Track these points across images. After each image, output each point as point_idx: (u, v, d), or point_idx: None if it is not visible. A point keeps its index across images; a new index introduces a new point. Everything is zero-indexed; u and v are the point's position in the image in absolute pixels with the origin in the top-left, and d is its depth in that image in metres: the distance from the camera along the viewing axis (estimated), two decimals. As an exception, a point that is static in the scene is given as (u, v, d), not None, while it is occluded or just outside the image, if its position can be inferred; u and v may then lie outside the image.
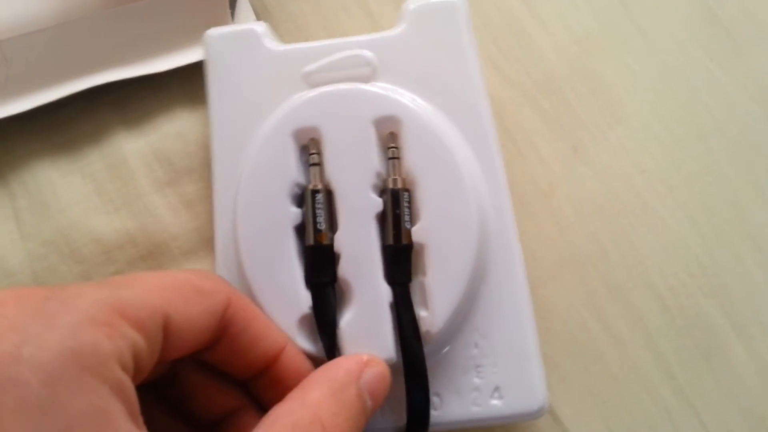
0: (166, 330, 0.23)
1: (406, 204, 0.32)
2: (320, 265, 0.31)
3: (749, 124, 0.41)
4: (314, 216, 0.32)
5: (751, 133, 0.41)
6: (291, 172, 0.32)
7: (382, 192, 0.32)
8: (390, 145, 0.33)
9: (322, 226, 0.31)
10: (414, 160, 0.32)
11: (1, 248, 0.36)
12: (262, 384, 0.28)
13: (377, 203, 0.32)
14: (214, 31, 0.36)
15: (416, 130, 0.32)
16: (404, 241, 0.31)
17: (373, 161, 0.32)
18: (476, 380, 0.31)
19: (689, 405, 0.35)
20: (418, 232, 0.31)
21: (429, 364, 0.30)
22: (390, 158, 0.32)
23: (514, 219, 0.34)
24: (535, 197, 0.39)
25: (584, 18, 0.44)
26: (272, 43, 0.36)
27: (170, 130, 0.39)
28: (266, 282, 0.31)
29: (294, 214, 0.32)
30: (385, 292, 0.31)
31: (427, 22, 0.35)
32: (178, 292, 0.24)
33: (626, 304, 0.37)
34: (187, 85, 0.40)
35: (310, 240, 0.31)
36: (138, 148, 0.38)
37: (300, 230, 0.32)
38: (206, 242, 0.37)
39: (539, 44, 0.43)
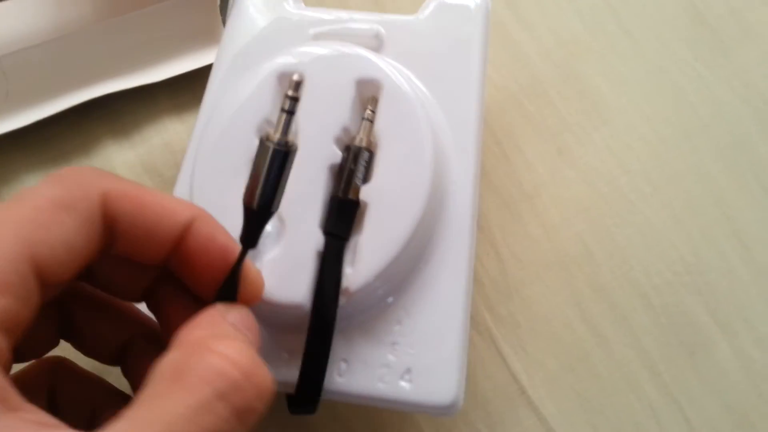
0: (39, 270, 0.21)
1: (363, 163, 0.31)
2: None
3: (735, 123, 0.42)
4: None
5: (737, 133, 0.41)
6: (265, 108, 0.33)
7: (346, 148, 0.32)
8: (368, 108, 0.33)
9: None
10: (384, 125, 0.32)
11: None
12: (176, 263, 0.26)
13: (335, 154, 0.32)
14: None
15: (394, 97, 0.33)
16: (351, 197, 0.31)
17: (344, 116, 0.33)
18: (389, 357, 0.30)
19: (674, 401, 0.36)
20: (365, 191, 0.31)
21: (342, 326, 0.30)
22: (363, 119, 0.32)
23: (474, 218, 0.33)
24: (521, 199, 0.40)
25: (570, 21, 0.44)
26: (293, 5, 0.38)
27: (158, 142, 0.40)
28: (211, 204, 0.29)
29: (255, 146, 0.31)
30: (315, 239, 0.30)
31: (447, 15, 0.37)
32: (39, 222, 0.21)
33: (611, 304, 0.37)
34: (175, 96, 0.41)
35: None
36: (127, 159, 0.39)
37: None
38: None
39: (525, 48, 0.44)
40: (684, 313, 0.37)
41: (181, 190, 0.33)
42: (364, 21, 0.37)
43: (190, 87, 0.41)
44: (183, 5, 0.41)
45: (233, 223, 0.28)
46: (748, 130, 0.41)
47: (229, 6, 0.38)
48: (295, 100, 0.26)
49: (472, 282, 0.32)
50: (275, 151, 0.26)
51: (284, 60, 0.34)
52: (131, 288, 0.27)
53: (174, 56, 0.41)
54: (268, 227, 0.30)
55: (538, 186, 0.40)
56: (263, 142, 0.26)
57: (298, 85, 0.26)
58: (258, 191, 0.26)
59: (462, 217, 0.33)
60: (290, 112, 0.26)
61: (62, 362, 0.28)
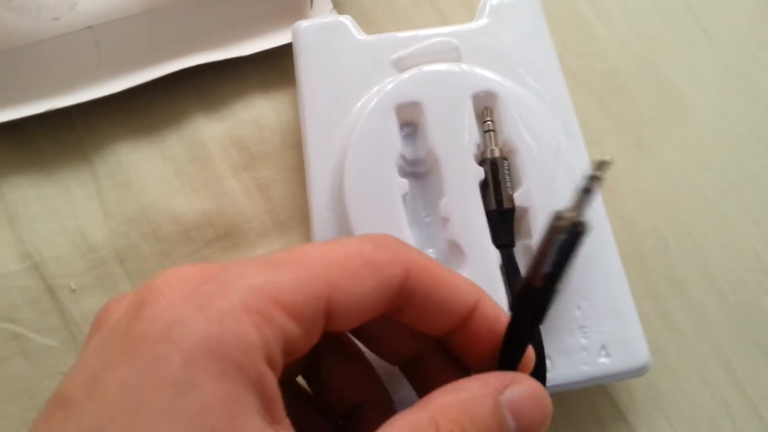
0: (329, 312, 0.22)
1: (506, 171, 0.33)
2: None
3: (812, 124, 0.41)
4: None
5: (814, 134, 0.41)
6: (395, 144, 0.34)
7: (481, 162, 0.34)
8: (485, 119, 0.34)
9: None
10: (512, 131, 0.34)
11: (86, 225, 0.37)
12: (457, 340, 0.26)
13: (479, 171, 0.33)
14: (303, 23, 0.38)
15: (513, 102, 0.34)
16: (506, 206, 0.33)
17: (473, 133, 0.34)
18: (583, 341, 0.32)
19: (748, 399, 0.35)
20: (520, 197, 0.33)
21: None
22: (486, 131, 0.34)
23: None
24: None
25: (649, 18, 0.44)
26: (359, 34, 0.38)
27: (246, 117, 0.40)
28: None
29: (402, 183, 0.33)
30: (494, 255, 0.32)
31: (506, 14, 0.38)
32: (345, 270, 0.23)
33: (687, 299, 0.37)
34: (262, 73, 0.41)
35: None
36: (216, 133, 0.40)
37: (404, 199, 0.33)
38: (278, 225, 0.38)
39: (605, 42, 0.43)
40: (759, 312, 0.37)
41: (321, 233, 0.34)
42: (436, 37, 0.37)
43: (277, 65, 0.41)
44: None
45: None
46: (825, 132, 0.41)
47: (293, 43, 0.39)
48: (597, 179, 0.22)
49: (616, 247, 0.34)
50: (571, 233, 0.23)
51: (395, 89, 0.35)
52: (396, 352, 0.28)
53: (262, 33, 0.41)
54: (434, 254, 0.33)
55: (617, 178, 0.40)
56: (556, 219, 0.23)
57: (602, 165, 0.22)
58: (547, 271, 0.23)
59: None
60: (588, 191, 0.23)
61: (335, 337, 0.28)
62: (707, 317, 0.37)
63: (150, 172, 0.38)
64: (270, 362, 0.20)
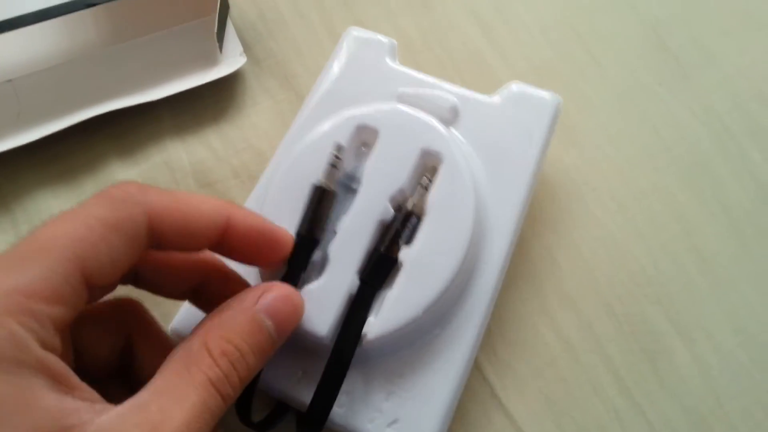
0: (88, 279, 0.23)
1: (410, 227, 0.32)
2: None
3: (694, 144, 0.41)
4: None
5: (696, 153, 0.41)
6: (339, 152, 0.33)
7: (398, 208, 0.32)
8: (426, 175, 0.33)
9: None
10: (436, 196, 0.32)
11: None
12: (229, 252, 0.28)
13: (388, 212, 0.32)
14: (353, 30, 0.39)
15: (451, 174, 0.33)
16: (392, 254, 0.31)
17: (402, 179, 0.33)
18: (384, 403, 0.31)
19: (635, 405, 0.35)
20: (404, 252, 0.31)
21: (356, 367, 0.30)
22: (419, 185, 0.32)
23: (493, 299, 0.33)
24: (495, 215, 0.39)
25: (541, 49, 0.44)
26: (390, 60, 0.38)
27: (159, 160, 0.39)
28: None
29: (320, 178, 0.33)
30: (351, 283, 0.31)
31: (521, 103, 0.37)
32: (91, 243, 0.23)
33: (576, 312, 0.37)
34: (176, 117, 0.40)
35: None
36: (128, 176, 0.39)
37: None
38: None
39: (499, 74, 0.43)
40: (645, 322, 0.37)
41: (251, 204, 0.36)
42: (446, 91, 0.37)
43: (190, 108, 0.40)
44: (183, 33, 0.41)
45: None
46: (707, 150, 0.41)
47: (337, 47, 0.39)
48: (338, 158, 0.32)
49: (474, 356, 0.33)
50: (315, 189, 0.32)
51: (365, 112, 0.35)
52: (175, 287, 0.30)
53: (175, 77, 0.41)
54: (316, 258, 0.32)
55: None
56: (312, 185, 0.32)
57: (340, 149, 0.33)
58: (303, 221, 0.31)
59: (482, 295, 0.33)
60: (333, 166, 0.32)
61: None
62: (596, 329, 0.36)
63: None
64: (46, 345, 0.22)
